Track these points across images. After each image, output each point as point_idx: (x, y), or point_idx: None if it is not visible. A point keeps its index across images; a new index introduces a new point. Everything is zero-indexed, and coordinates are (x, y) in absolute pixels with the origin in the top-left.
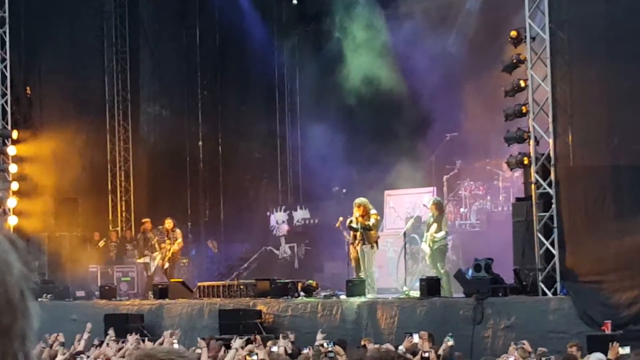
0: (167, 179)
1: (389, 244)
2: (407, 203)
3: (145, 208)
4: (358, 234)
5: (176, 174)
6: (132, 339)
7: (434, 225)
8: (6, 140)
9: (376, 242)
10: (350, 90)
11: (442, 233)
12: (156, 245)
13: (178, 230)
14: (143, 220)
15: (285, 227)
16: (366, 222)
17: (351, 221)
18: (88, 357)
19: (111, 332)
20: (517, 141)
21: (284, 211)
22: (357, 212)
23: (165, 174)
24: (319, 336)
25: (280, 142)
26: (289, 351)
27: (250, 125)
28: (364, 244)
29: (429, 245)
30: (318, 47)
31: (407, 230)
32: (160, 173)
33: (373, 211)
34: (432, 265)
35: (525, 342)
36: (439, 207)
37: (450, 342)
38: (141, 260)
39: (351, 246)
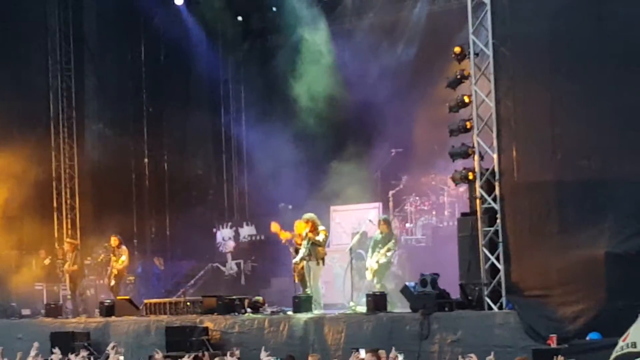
0: (113, 196)
1: (335, 260)
2: (353, 218)
3: (91, 225)
4: (304, 250)
5: (122, 191)
6: (78, 357)
7: (382, 244)
8: None
9: (322, 259)
10: (296, 107)
11: (390, 253)
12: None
13: (124, 248)
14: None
15: (231, 244)
16: (315, 238)
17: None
18: None
19: (56, 350)
20: (462, 156)
21: (230, 227)
22: (305, 228)
23: (111, 191)
24: (263, 354)
25: (225, 158)
26: None
27: (195, 141)
28: (309, 260)
29: (377, 262)
30: (263, 63)
31: (353, 246)
32: (106, 190)
33: (322, 227)
34: (376, 279)
35: (473, 355)
36: (388, 224)
37: (400, 358)
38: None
39: (294, 263)
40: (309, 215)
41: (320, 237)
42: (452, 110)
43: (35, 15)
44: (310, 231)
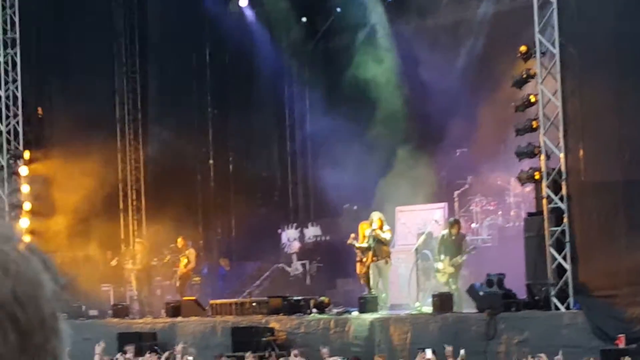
0: (179, 197)
1: (400, 260)
2: (418, 219)
3: (156, 226)
4: (370, 250)
5: (187, 192)
6: (147, 357)
7: (452, 246)
8: (18, 161)
9: (389, 257)
10: (360, 108)
11: (465, 257)
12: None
13: (191, 249)
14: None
15: (296, 245)
16: (381, 235)
17: (355, 239)
18: None
19: (129, 348)
20: (528, 156)
21: (296, 228)
22: (375, 224)
23: (176, 193)
24: (324, 351)
25: (290, 160)
26: None
27: (260, 143)
28: (377, 259)
29: (453, 264)
30: (327, 64)
31: (419, 247)
32: (172, 192)
33: (387, 227)
34: (450, 282)
35: (542, 355)
36: (459, 226)
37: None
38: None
39: (358, 264)
40: (376, 213)
41: (386, 235)
42: (518, 109)
43: (100, 18)
44: (379, 227)
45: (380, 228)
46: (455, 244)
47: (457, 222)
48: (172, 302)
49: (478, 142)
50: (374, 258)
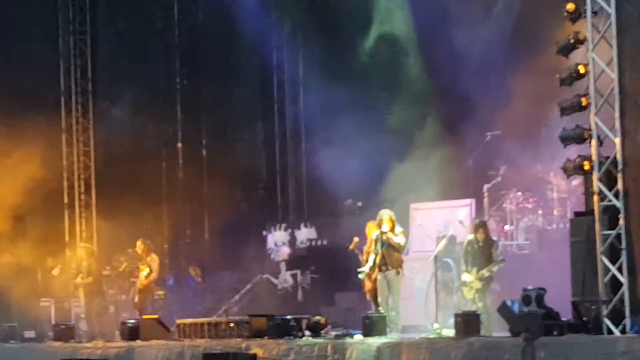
0: (139, 190)
1: (416, 271)
2: (438, 219)
3: (110, 227)
4: (378, 257)
5: (150, 184)
6: None
7: (480, 256)
8: None
9: (401, 267)
10: (367, 80)
11: (496, 267)
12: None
13: (153, 255)
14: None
15: (286, 250)
16: (393, 239)
17: (359, 243)
18: None
19: None
20: (576, 141)
21: (285, 230)
22: (385, 225)
23: (136, 184)
24: None
25: (279, 144)
26: None
27: (242, 123)
28: (386, 269)
29: (480, 278)
30: (325, 26)
31: (439, 254)
32: (130, 183)
33: (400, 228)
34: (477, 299)
35: None
36: (487, 229)
37: None
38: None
39: (363, 274)
40: (387, 212)
41: (399, 240)
42: (564, 83)
43: None
44: (390, 229)
45: (392, 230)
46: (483, 253)
47: (482, 225)
48: (129, 321)
49: (513, 124)
50: (383, 268)
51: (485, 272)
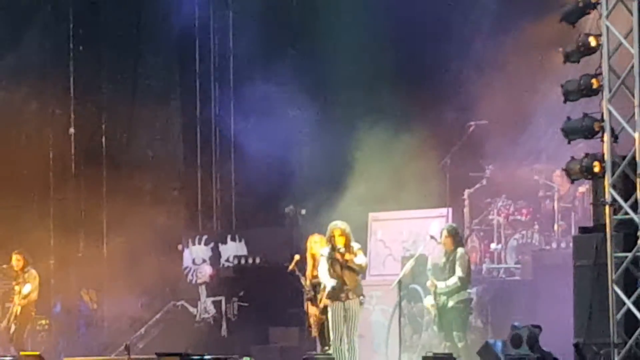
0: (16, 189)
1: (374, 300)
2: (404, 234)
3: None
4: (334, 282)
5: (32, 179)
6: None
7: (446, 268)
8: None
9: (363, 295)
10: (317, 57)
11: (452, 280)
12: None
13: (32, 272)
14: None
15: (207, 270)
16: (354, 260)
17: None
18: None
19: None
20: (584, 135)
21: (206, 244)
22: (338, 241)
23: (13, 179)
24: None
25: (201, 134)
26: None
27: (153, 102)
28: (346, 297)
29: (437, 300)
30: None
31: (404, 278)
32: (6, 177)
33: (357, 245)
34: (443, 333)
35: None
36: (456, 238)
37: None
38: None
39: (308, 303)
40: (339, 225)
41: (361, 261)
42: (570, 59)
43: None
44: (345, 251)
45: (347, 247)
46: (449, 267)
47: (450, 230)
48: (3, 358)
49: (504, 111)
50: (342, 296)
51: (439, 293)
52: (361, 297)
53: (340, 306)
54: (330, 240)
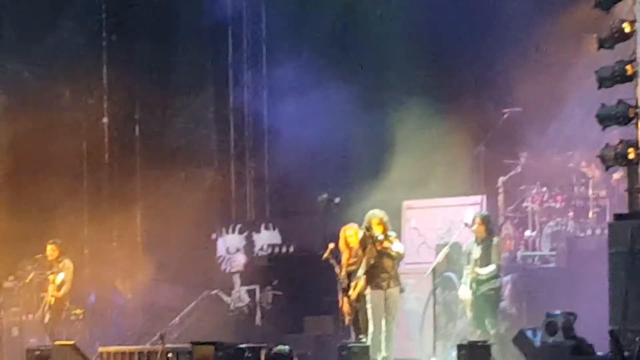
0: (51, 177)
1: (408, 288)
2: (438, 221)
3: (12, 224)
4: (363, 267)
5: (66, 169)
6: None
7: (479, 256)
8: None
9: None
10: (350, 44)
11: (491, 268)
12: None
13: (67, 262)
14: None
15: (241, 259)
16: (391, 248)
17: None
18: None
19: None
20: (618, 121)
21: (240, 232)
22: (376, 230)
23: (48, 169)
24: None
25: (234, 122)
26: None
27: (186, 92)
28: (388, 286)
29: (471, 288)
30: None
31: (439, 266)
32: (40, 167)
33: (393, 233)
34: (476, 321)
35: None
36: (489, 227)
37: None
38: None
39: (343, 292)
40: (377, 213)
41: (399, 248)
42: (604, 45)
43: None
44: (383, 239)
45: (385, 235)
46: (484, 255)
47: (483, 218)
48: (38, 348)
49: (538, 98)
50: (384, 284)
51: (472, 280)
52: (401, 285)
53: (381, 294)
54: (368, 227)
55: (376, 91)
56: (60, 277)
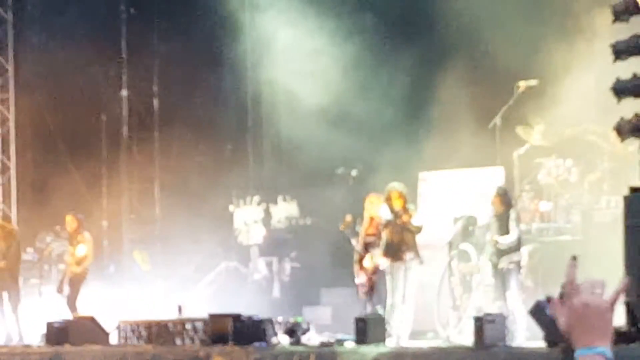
0: (70, 149)
1: (424, 261)
2: (454, 194)
3: (32, 196)
4: (383, 243)
5: (84, 141)
6: None
7: (497, 228)
8: None
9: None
10: (369, 8)
11: (512, 237)
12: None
13: (86, 234)
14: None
15: (259, 231)
16: (411, 222)
17: (352, 225)
18: None
19: None
20: (634, 94)
21: (258, 205)
22: (396, 203)
23: (67, 142)
24: None
25: (252, 92)
26: None
27: (204, 64)
28: (401, 258)
29: (492, 259)
30: None
31: (455, 239)
32: (59, 140)
33: (412, 206)
34: (495, 293)
35: None
36: (506, 200)
37: None
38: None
39: (360, 263)
40: (397, 186)
41: (419, 223)
42: (619, 17)
43: None
44: (402, 212)
45: (404, 209)
46: (500, 228)
47: (499, 192)
48: (57, 321)
49: (553, 71)
50: (403, 255)
51: (491, 253)
52: (420, 258)
53: (401, 267)
54: (388, 201)
55: (398, 64)
56: (79, 250)
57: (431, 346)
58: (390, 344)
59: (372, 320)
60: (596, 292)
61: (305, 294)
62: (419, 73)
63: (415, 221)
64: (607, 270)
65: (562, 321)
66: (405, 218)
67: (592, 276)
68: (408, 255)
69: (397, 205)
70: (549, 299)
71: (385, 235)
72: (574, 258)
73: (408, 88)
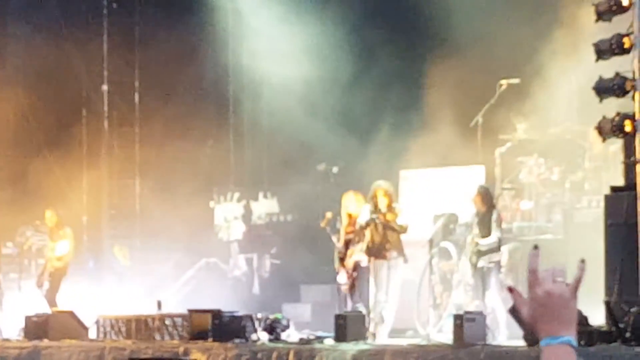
0: (50, 144)
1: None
2: (435, 191)
3: (12, 191)
4: (365, 242)
5: (65, 135)
6: None
7: (478, 228)
8: None
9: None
10: (348, 9)
11: (491, 239)
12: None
13: (68, 230)
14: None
15: (239, 227)
16: (395, 221)
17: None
18: None
19: None
20: (615, 94)
21: (238, 201)
22: (382, 201)
23: (46, 136)
24: None
25: (233, 90)
26: None
27: (186, 57)
28: (394, 255)
29: (471, 259)
30: None
31: (435, 236)
32: (40, 133)
33: (397, 204)
34: (474, 292)
35: None
36: (487, 198)
37: None
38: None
39: (340, 260)
40: (383, 184)
41: (403, 221)
42: (602, 17)
43: None
44: (387, 211)
45: (389, 207)
46: (482, 227)
47: (482, 191)
48: (35, 315)
49: (534, 68)
50: (387, 254)
51: (472, 252)
52: (404, 257)
53: (384, 265)
54: (373, 199)
55: (374, 64)
56: (60, 246)
57: (411, 344)
58: (369, 342)
59: (352, 318)
60: (557, 281)
61: (285, 290)
62: (401, 71)
63: (400, 220)
64: (588, 270)
65: (525, 311)
66: (389, 217)
67: (573, 277)
68: (391, 254)
69: (383, 203)
70: (510, 289)
71: (367, 234)
72: (536, 247)
73: (390, 86)
